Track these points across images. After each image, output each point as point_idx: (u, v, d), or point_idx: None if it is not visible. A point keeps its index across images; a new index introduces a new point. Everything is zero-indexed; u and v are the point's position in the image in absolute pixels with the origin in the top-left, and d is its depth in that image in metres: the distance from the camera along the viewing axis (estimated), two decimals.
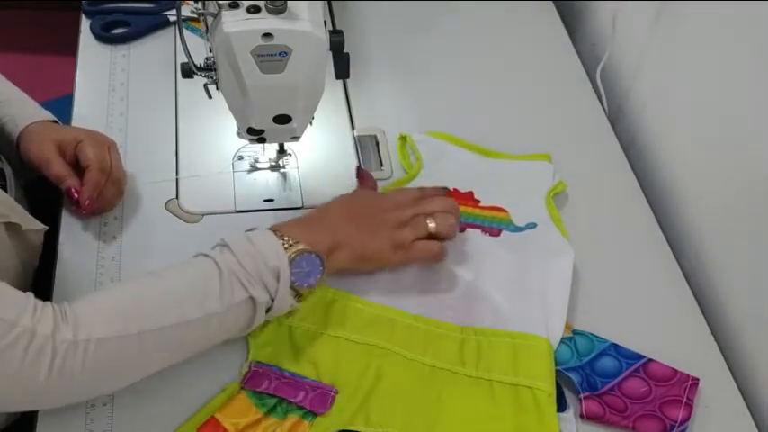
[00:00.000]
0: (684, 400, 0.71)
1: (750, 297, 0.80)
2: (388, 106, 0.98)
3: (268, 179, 0.89)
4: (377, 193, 0.83)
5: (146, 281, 0.68)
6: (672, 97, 0.94)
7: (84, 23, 1.02)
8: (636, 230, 0.88)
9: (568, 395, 0.72)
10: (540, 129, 0.97)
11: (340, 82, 0.98)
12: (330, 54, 0.73)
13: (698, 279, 0.86)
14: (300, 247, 0.69)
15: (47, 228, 0.77)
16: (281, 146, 0.88)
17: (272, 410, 0.68)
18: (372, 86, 1.00)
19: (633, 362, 0.74)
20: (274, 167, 0.90)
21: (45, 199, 0.83)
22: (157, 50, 1.01)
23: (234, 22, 0.68)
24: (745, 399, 0.75)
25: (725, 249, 0.84)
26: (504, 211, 0.85)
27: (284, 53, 0.69)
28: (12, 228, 0.72)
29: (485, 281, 0.79)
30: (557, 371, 0.72)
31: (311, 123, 0.81)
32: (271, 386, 0.69)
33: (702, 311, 0.82)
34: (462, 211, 0.84)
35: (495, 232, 0.83)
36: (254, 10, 0.68)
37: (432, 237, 0.76)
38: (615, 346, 0.75)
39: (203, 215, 0.84)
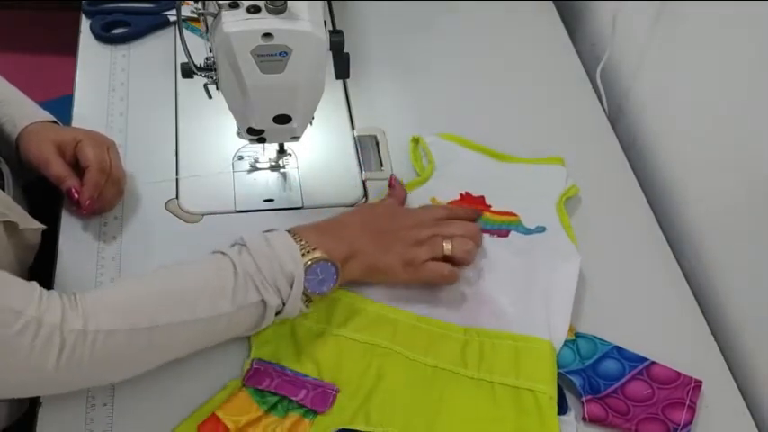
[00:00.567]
0: (687, 402, 0.71)
1: (750, 297, 0.80)
2: (388, 106, 0.98)
3: (268, 179, 0.89)
4: (402, 207, 0.83)
5: (160, 275, 0.68)
6: (672, 97, 0.94)
7: (84, 23, 1.02)
8: (636, 231, 0.88)
9: (569, 397, 0.72)
10: (540, 129, 0.97)
11: (340, 82, 0.98)
12: (330, 54, 0.73)
13: (698, 279, 0.86)
14: (317, 254, 0.70)
15: (44, 227, 0.77)
16: (281, 146, 0.88)
17: (272, 408, 0.68)
18: (372, 86, 1.00)
19: (636, 364, 0.74)
20: (274, 167, 0.90)
21: (44, 199, 0.83)
22: (157, 50, 1.01)
23: (234, 22, 0.68)
24: (745, 399, 0.75)
25: (725, 249, 0.84)
26: (515, 215, 0.85)
27: (284, 53, 0.69)
28: (9, 227, 0.72)
29: (489, 283, 0.79)
30: (559, 374, 0.72)
31: (311, 123, 0.81)
32: (272, 384, 0.69)
33: (702, 311, 0.82)
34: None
35: (503, 233, 0.83)
36: (254, 10, 0.68)
37: (447, 259, 0.76)
38: (618, 348, 0.75)
39: (203, 215, 0.84)
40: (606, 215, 0.88)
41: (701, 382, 0.73)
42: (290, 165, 0.90)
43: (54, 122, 0.84)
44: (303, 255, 0.69)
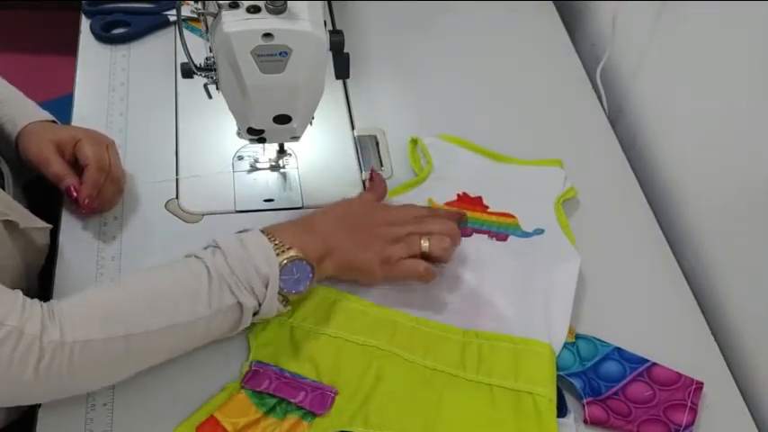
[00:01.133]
0: (689, 404, 0.71)
1: (750, 297, 0.80)
2: (388, 106, 0.98)
3: (268, 179, 0.89)
4: (380, 203, 0.82)
5: (135, 282, 0.68)
6: (672, 97, 0.94)
7: (84, 23, 1.02)
8: (636, 231, 0.88)
9: (570, 400, 0.72)
10: (540, 129, 0.97)
11: (340, 82, 0.98)
12: (330, 54, 0.73)
13: (698, 279, 0.86)
14: (292, 253, 0.69)
15: (51, 226, 0.77)
16: (281, 146, 0.88)
17: (271, 410, 0.68)
18: (372, 86, 1.00)
19: (637, 366, 0.74)
20: (274, 167, 0.90)
21: (45, 199, 0.83)
22: (157, 50, 1.01)
23: (234, 22, 0.68)
24: (745, 399, 0.75)
25: (725, 249, 0.84)
26: (513, 216, 0.85)
27: (284, 53, 0.69)
28: (12, 227, 0.72)
29: (489, 285, 0.79)
30: (559, 376, 0.72)
31: (311, 123, 0.81)
32: (271, 386, 0.69)
33: (702, 311, 0.82)
34: (470, 216, 0.85)
35: (501, 237, 0.83)
36: (254, 10, 0.68)
37: (425, 257, 0.76)
38: (619, 350, 0.75)
39: (203, 215, 0.84)
40: (606, 215, 0.88)
41: (702, 383, 0.73)
42: (290, 165, 0.90)
43: (54, 122, 0.84)
44: (278, 254, 0.68)
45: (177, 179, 0.87)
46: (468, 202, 0.86)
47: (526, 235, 0.84)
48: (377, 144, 0.93)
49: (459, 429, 0.69)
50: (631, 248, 0.86)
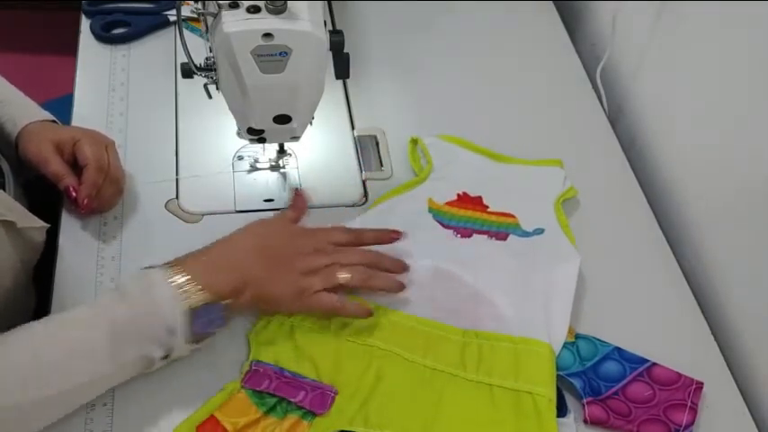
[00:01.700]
0: (689, 404, 0.71)
1: (750, 297, 0.80)
2: (388, 106, 0.98)
3: (268, 179, 0.89)
4: (301, 228, 0.77)
5: (30, 342, 0.63)
6: (672, 97, 0.94)
7: (84, 23, 1.02)
8: (636, 231, 0.88)
9: (570, 399, 0.72)
10: (540, 129, 0.97)
11: (340, 82, 0.98)
12: (330, 54, 0.73)
13: (698, 279, 0.86)
14: (201, 297, 0.65)
15: (48, 225, 0.77)
16: (281, 146, 0.88)
17: (271, 410, 0.68)
18: (372, 86, 1.00)
19: (637, 366, 0.74)
20: (274, 167, 0.90)
21: (45, 199, 0.83)
22: (157, 50, 1.01)
23: (234, 22, 0.68)
24: (745, 399, 0.75)
25: (725, 249, 0.84)
26: (513, 216, 0.85)
27: (284, 53, 0.69)
28: (9, 226, 0.72)
29: (489, 285, 0.79)
30: (559, 376, 0.72)
31: (311, 123, 0.81)
32: (271, 385, 0.69)
33: (702, 311, 0.82)
34: (470, 216, 0.85)
35: (501, 236, 0.83)
36: (254, 10, 0.68)
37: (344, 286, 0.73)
38: (619, 350, 0.75)
39: (203, 215, 0.84)
40: (606, 215, 0.88)
41: (702, 383, 0.73)
42: (290, 165, 0.90)
43: (54, 122, 0.84)
44: (186, 298, 0.65)
45: (177, 179, 0.87)
46: (468, 201, 0.86)
47: (526, 235, 0.84)
48: (377, 144, 0.94)
49: (458, 429, 0.69)
50: (631, 248, 0.86)
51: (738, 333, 0.81)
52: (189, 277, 0.66)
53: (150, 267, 0.67)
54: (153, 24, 1.02)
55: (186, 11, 1.00)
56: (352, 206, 0.87)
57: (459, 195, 0.87)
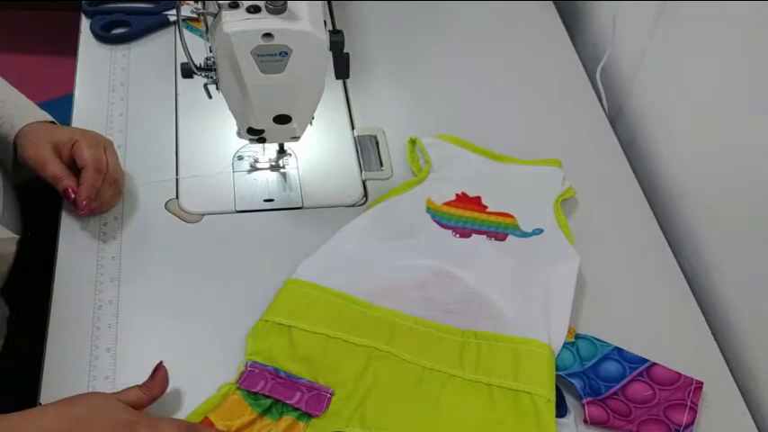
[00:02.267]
0: (689, 404, 0.71)
1: (750, 297, 0.80)
2: (388, 106, 0.98)
3: (268, 179, 0.89)
4: (128, 417, 0.62)
5: None
6: (672, 97, 0.94)
7: (84, 23, 1.02)
8: (636, 231, 0.88)
9: (569, 400, 0.72)
10: (540, 129, 0.97)
11: (340, 82, 0.98)
12: (330, 54, 0.73)
13: (698, 279, 0.86)
14: None
15: (17, 236, 0.76)
16: (281, 146, 0.88)
17: (267, 411, 0.68)
18: (372, 86, 1.00)
19: (637, 366, 0.74)
20: (274, 167, 0.90)
21: (44, 200, 0.83)
22: (157, 50, 1.01)
23: (234, 22, 0.68)
24: (745, 399, 0.75)
25: (725, 249, 0.84)
26: (512, 216, 0.85)
27: (284, 53, 0.69)
28: None
29: (488, 285, 0.79)
30: (558, 376, 0.72)
31: (311, 123, 0.81)
32: (266, 387, 0.69)
33: (702, 311, 0.82)
34: (469, 216, 0.85)
35: (500, 236, 0.83)
36: (254, 10, 0.68)
37: None
38: (618, 350, 0.75)
39: (203, 215, 0.84)
40: (606, 215, 0.88)
41: (701, 383, 0.73)
42: (290, 165, 0.90)
43: (52, 122, 0.84)
44: None
45: (177, 179, 0.87)
46: (467, 201, 0.86)
47: (525, 235, 0.84)
48: (377, 144, 0.94)
49: (457, 429, 0.69)
50: (631, 248, 0.86)
51: (738, 333, 0.80)
52: None
53: None
54: (153, 24, 1.02)
55: (186, 11, 1.00)
56: (352, 206, 0.87)
57: (458, 195, 0.87)
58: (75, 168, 0.79)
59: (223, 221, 0.84)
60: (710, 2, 0.84)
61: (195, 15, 0.99)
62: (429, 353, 0.73)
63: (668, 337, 0.78)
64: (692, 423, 0.70)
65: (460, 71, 1.03)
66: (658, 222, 0.89)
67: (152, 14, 1.03)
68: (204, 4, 0.72)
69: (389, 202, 0.85)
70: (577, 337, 0.75)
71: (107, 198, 0.81)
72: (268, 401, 0.68)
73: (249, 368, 0.70)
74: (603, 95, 1.01)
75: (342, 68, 0.76)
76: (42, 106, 0.86)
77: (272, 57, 0.69)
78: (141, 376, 0.67)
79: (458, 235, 0.83)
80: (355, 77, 0.91)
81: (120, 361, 0.71)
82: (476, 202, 0.86)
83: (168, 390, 0.68)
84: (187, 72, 0.76)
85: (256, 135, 0.79)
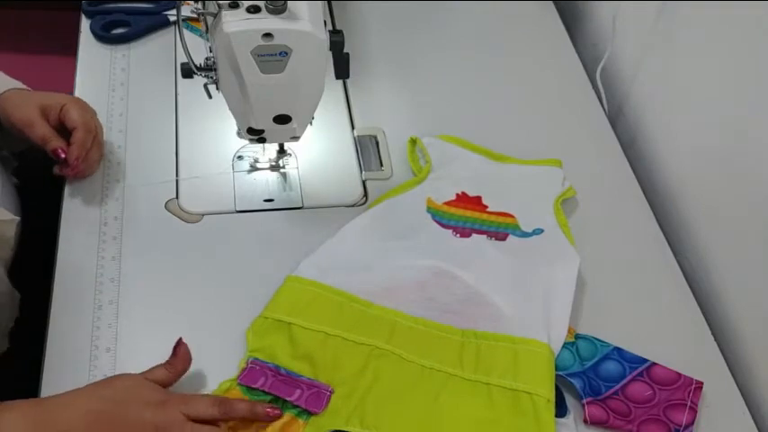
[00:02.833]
0: (688, 404, 0.71)
1: (750, 297, 0.80)
2: (388, 106, 0.98)
3: (268, 179, 0.89)
4: (158, 396, 0.64)
5: None
6: (672, 97, 0.94)
7: (84, 23, 1.02)
8: (636, 231, 0.88)
9: (569, 400, 0.72)
10: (540, 129, 0.97)
11: (340, 82, 0.98)
12: (330, 54, 0.73)
13: (698, 279, 0.86)
14: None
15: (18, 218, 0.76)
16: (281, 146, 0.88)
17: None
18: (372, 86, 1.00)
19: (637, 366, 0.74)
20: (274, 167, 0.90)
21: (44, 199, 0.83)
22: (157, 50, 1.01)
23: (234, 22, 0.68)
24: (745, 399, 0.75)
25: (725, 249, 0.84)
26: (512, 216, 0.85)
27: (284, 53, 0.69)
28: None
29: (488, 285, 0.79)
30: (558, 376, 0.72)
31: (311, 123, 0.81)
32: (266, 383, 0.69)
33: (702, 311, 0.82)
34: (469, 216, 0.85)
35: (501, 236, 0.83)
36: (254, 10, 0.68)
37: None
38: (618, 349, 0.75)
39: (203, 215, 0.84)
40: (606, 215, 0.88)
41: (701, 383, 0.73)
42: (290, 165, 0.90)
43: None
44: None
45: (177, 179, 0.87)
46: (468, 201, 0.86)
47: (525, 235, 0.84)
48: (377, 144, 0.94)
49: (456, 429, 0.69)
50: (631, 248, 0.86)
51: (738, 333, 0.81)
52: None
53: None
54: (153, 24, 1.02)
55: (186, 11, 1.00)
56: (352, 206, 0.87)
57: (458, 195, 0.87)
58: (62, 133, 0.80)
59: (223, 221, 0.84)
60: (710, 2, 0.84)
61: (195, 15, 0.99)
62: (429, 352, 0.73)
63: (668, 337, 0.78)
64: (692, 423, 0.70)
65: (460, 71, 1.03)
66: (658, 222, 0.89)
67: (152, 14, 1.03)
68: (204, 4, 0.72)
69: (389, 202, 0.85)
70: (577, 337, 0.75)
71: (92, 161, 0.82)
72: (267, 398, 0.68)
73: (250, 365, 0.70)
74: (603, 95, 1.01)
75: (342, 68, 0.76)
76: None
77: (272, 57, 0.69)
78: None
79: (458, 235, 0.83)
80: (355, 77, 0.91)
81: (120, 361, 0.71)
82: (476, 202, 0.86)
83: (169, 389, 0.68)
84: (187, 72, 0.76)
85: (256, 135, 0.79)
